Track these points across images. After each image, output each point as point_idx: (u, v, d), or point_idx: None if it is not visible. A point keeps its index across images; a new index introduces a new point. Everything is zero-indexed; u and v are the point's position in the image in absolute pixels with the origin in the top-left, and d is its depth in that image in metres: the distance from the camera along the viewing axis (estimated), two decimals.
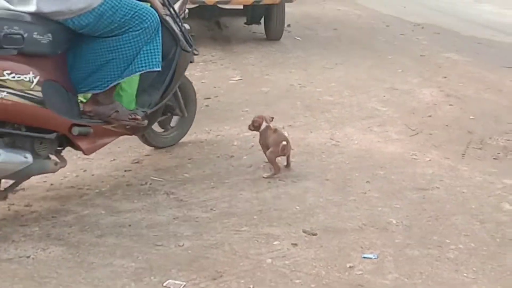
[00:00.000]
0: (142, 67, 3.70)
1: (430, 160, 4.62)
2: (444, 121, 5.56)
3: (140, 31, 3.67)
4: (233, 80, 7.03)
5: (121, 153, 4.73)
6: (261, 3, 8.56)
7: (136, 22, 3.64)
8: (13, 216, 3.68)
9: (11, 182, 3.62)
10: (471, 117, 5.68)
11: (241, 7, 9.52)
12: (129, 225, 3.57)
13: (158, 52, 3.78)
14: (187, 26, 5.76)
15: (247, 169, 4.43)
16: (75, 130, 3.60)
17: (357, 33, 10.19)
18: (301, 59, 8.17)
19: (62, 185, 4.14)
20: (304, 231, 3.52)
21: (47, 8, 3.37)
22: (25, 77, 3.26)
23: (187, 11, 5.81)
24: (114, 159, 4.60)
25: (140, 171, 4.40)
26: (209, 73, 7.37)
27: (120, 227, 3.55)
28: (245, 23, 9.93)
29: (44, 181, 4.17)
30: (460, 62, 8.03)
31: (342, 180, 4.24)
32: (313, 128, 5.33)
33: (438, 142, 5.01)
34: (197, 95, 5.67)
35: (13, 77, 3.20)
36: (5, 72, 3.16)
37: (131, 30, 3.64)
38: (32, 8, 3.36)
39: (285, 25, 9.51)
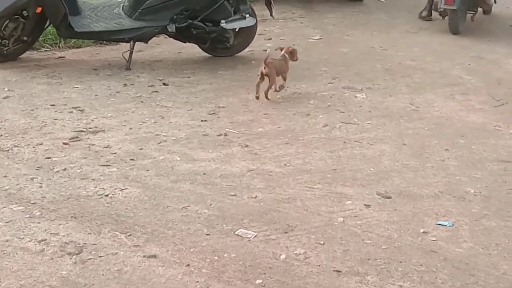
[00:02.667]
0: None
1: None
2: None
3: None
4: (313, 39, 6.94)
5: (198, 103, 4.77)
6: None
7: None
8: (93, 156, 3.79)
9: None
10: None
11: None
12: (204, 174, 3.62)
13: None
14: None
15: (322, 128, 4.39)
16: None
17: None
18: (384, 21, 7.95)
19: (141, 130, 4.23)
20: (378, 193, 3.46)
21: None
22: None
23: None
24: (191, 109, 4.65)
25: (216, 122, 4.43)
26: (288, 30, 7.30)
27: (195, 174, 3.60)
28: None
29: (124, 125, 4.27)
30: None
31: (420, 146, 4.14)
32: (393, 92, 5.21)
33: None
34: (276, 51, 5.64)
35: None
36: None
37: None
38: None
39: None
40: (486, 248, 2.97)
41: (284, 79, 5.02)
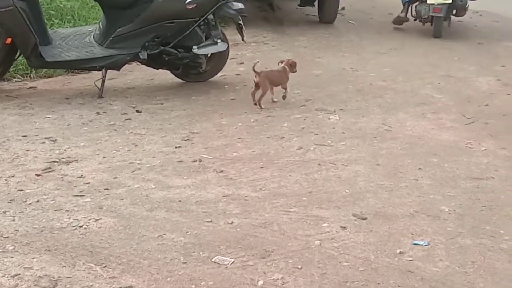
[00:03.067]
0: None
1: (485, 149, 4.50)
2: (501, 110, 5.41)
3: None
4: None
5: (172, 129, 4.76)
6: None
7: None
8: (67, 187, 3.74)
9: None
10: None
11: None
12: (179, 201, 3.60)
13: None
14: (240, 5, 5.78)
15: (297, 151, 4.41)
16: None
17: (413, 19, 9.95)
18: (355, 43, 8.06)
19: (115, 158, 4.20)
20: (354, 215, 3.48)
21: None
22: None
23: None
24: (165, 136, 4.64)
25: (191, 148, 4.42)
26: (260, 54, 7.34)
27: (171, 202, 3.58)
28: (298, 5, 9.82)
29: (97, 154, 4.24)
30: None
31: (394, 166, 4.17)
32: (365, 113, 5.26)
33: (494, 131, 4.88)
34: (248, 75, 5.68)
35: None
36: None
37: None
38: None
39: (339, 8, 9.39)
40: (462, 267, 2.99)
41: (284, 88, 5.42)
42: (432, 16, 8.21)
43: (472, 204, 3.65)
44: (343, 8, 10.03)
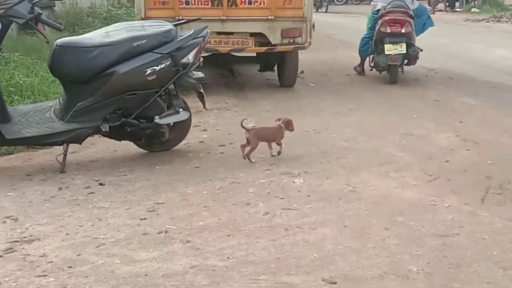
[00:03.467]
0: None
1: (449, 206, 4.55)
2: (462, 166, 5.50)
3: None
4: (248, 127, 7.02)
5: (137, 201, 4.71)
6: (274, 50, 8.65)
7: None
8: (29, 267, 3.64)
9: None
10: (489, 162, 5.61)
11: (255, 54, 9.63)
12: (145, 275, 3.52)
13: None
14: (201, 74, 5.86)
15: (263, 217, 4.39)
16: None
17: (370, 79, 10.22)
18: (315, 105, 8.19)
19: (78, 234, 4.11)
20: (323, 280, 3.45)
21: None
22: None
23: (201, 59, 5.91)
24: (129, 208, 4.58)
25: (156, 219, 4.36)
26: (223, 120, 7.40)
27: (136, 277, 3.50)
28: (259, 70, 10.03)
29: (60, 231, 4.15)
30: (476, 107, 8.01)
31: (361, 227, 4.18)
32: (329, 174, 5.30)
33: (456, 187, 4.95)
34: (212, 142, 5.71)
35: None
36: None
37: None
38: None
39: (298, 72, 9.59)
40: None
41: (279, 145, 5.73)
42: (389, 65, 9.50)
43: (440, 262, 3.65)
44: (302, 72, 10.25)
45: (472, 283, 3.40)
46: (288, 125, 5.78)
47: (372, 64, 10.01)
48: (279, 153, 5.73)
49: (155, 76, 5.43)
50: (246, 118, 5.83)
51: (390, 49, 9.35)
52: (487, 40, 15.96)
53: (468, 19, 23.45)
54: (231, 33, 8.54)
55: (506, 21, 22.53)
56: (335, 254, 3.78)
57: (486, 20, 23.05)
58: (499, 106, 7.99)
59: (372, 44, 9.87)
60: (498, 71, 10.96)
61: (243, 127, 5.67)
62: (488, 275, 3.50)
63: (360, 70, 10.50)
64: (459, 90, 9.16)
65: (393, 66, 9.50)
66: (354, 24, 22.45)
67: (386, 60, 9.47)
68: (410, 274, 3.51)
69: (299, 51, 9.06)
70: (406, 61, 9.68)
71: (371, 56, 10.01)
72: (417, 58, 9.72)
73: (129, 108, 5.54)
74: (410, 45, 9.47)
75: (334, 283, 3.41)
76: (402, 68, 9.75)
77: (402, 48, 9.36)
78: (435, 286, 3.37)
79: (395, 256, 3.73)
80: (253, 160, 5.63)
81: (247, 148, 5.68)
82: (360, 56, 10.42)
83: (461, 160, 5.68)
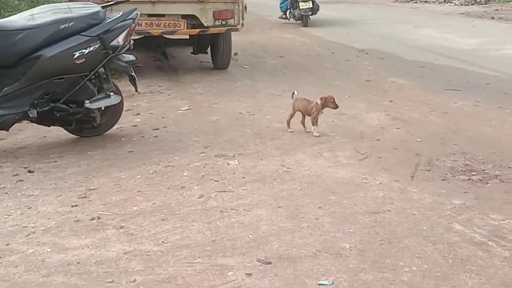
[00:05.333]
0: None
1: (380, 183, 4.65)
2: (392, 144, 5.63)
3: None
4: (182, 110, 6.99)
5: (68, 188, 4.60)
6: (207, 32, 8.59)
7: None
8: None
9: None
10: (418, 139, 5.77)
11: (187, 37, 9.53)
12: (78, 263, 3.45)
13: None
14: (131, 57, 5.75)
15: (198, 200, 4.37)
16: None
17: (303, 60, 10.32)
18: (249, 87, 8.20)
19: (6, 223, 3.98)
20: (259, 260, 3.46)
21: None
22: None
23: (132, 42, 5.80)
24: (60, 195, 4.46)
25: (88, 205, 4.27)
26: (156, 103, 7.31)
27: (68, 265, 3.43)
28: (192, 53, 9.94)
29: None
30: (405, 86, 8.20)
31: (295, 207, 4.22)
32: (264, 156, 5.32)
33: (387, 165, 5.06)
34: (145, 126, 5.64)
35: None
36: None
37: None
38: None
39: (232, 54, 9.57)
40: None
41: (312, 123, 5.94)
42: (302, 15, 15.46)
43: (372, 239, 3.73)
44: (236, 54, 10.24)
45: (403, 258, 3.49)
46: (327, 102, 5.87)
47: (289, 16, 16.20)
48: (313, 133, 5.88)
49: (83, 59, 5.29)
50: (295, 92, 6.12)
51: (303, 5, 15.17)
52: (415, 21, 16.33)
53: (396, 0, 23.91)
54: (163, 15, 8.41)
55: (433, 2, 23.10)
56: (270, 234, 3.80)
57: (414, 1, 23.56)
58: (427, 85, 8.21)
59: (289, 2, 15.87)
60: (426, 50, 11.25)
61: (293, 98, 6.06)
62: (418, 250, 3.59)
63: (284, 17, 16.36)
64: (389, 70, 9.36)
65: (305, 16, 15.43)
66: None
67: (300, 12, 15.41)
68: (343, 251, 3.57)
69: (232, 33, 9.03)
70: (311, 12, 15.43)
71: (289, 9, 16.07)
72: (318, 10, 15.66)
73: (57, 92, 5.39)
74: (313, 2, 15.26)
75: (269, 263, 3.43)
76: (309, 18, 15.52)
77: (309, 4, 15.19)
78: (367, 262, 3.44)
79: (328, 234, 3.79)
80: (290, 130, 6.00)
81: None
82: (280, 10, 16.45)
83: (391, 139, 5.81)
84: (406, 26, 15.15)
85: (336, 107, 5.93)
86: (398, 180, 4.72)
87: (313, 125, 5.90)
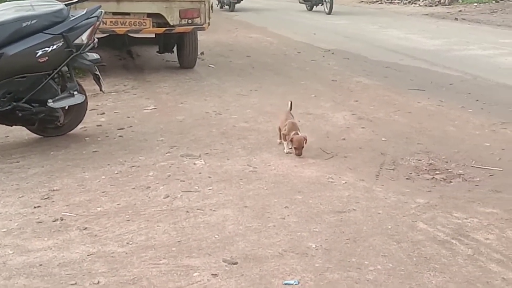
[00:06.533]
0: None
1: (345, 182, 4.68)
2: (357, 143, 5.67)
3: None
4: (147, 110, 6.93)
5: (30, 188, 4.51)
6: (173, 31, 8.53)
7: None
8: None
9: None
10: (383, 139, 5.82)
11: (153, 35, 9.45)
12: (40, 265, 3.39)
13: None
14: (96, 55, 5.67)
15: (163, 200, 4.33)
16: None
17: (270, 60, 10.33)
18: (216, 86, 8.17)
19: None
20: (224, 261, 3.45)
21: None
22: None
23: (96, 40, 5.72)
24: (22, 196, 4.38)
25: (51, 206, 4.20)
26: (121, 103, 7.23)
27: (30, 267, 3.36)
28: (158, 52, 9.87)
29: None
30: (370, 86, 8.28)
31: (261, 207, 4.21)
32: (230, 155, 5.30)
33: (352, 164, 5.09)
34: (110, 125, 5.58)
35: None
36: None
37: None
38: None
39: (198, 53, 9.53)
40: None
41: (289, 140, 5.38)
42: (230, 2, 21.13)
43: (337, 238, 3.75)
44: (202, 53, 10.21)
45: (368, 257, 3.51)
46: (293, 141, 5.24)
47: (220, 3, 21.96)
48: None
49: (46, 57, 5.19)
50: (289, 103, 5.79)
51: None
52: (380, 21, 16.52)
53: (362, 1, 24.14)
54: (128, 14, 8.31)
55: (398, 2, 23.39)
56: (236, 234, 3.79)
57: (379, 2, 23.82)
58: (392, 85, 8.30)
59: None
60: (391, 51, 11.37)
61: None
62: (383, 248, 3.62)
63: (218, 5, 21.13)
64: (354, 70, 9.44)
65: (232, 3, 21.04)
66: (254, 5, 22.62)
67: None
68: (309, 250, 3.58)
69: (199, 32, 8.99)
70: (236, 0, 20.83)
71: None
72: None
73: (19, 91, 5.28)
74: None
75: (235, 263, 3.42)
76: (235, 5, 20.92)
77: None
78: (333, 261, 3.45)
79: (294, 234, 3.79)
80: (286, 150, 5.39)
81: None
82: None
83: (357, 138, 5.85)
84: (371, 26, 15.31)
85: (298, 154, 5.24)
86: (363, 179, 4.75)
87: (284, 140, 5.44)
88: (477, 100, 7.42)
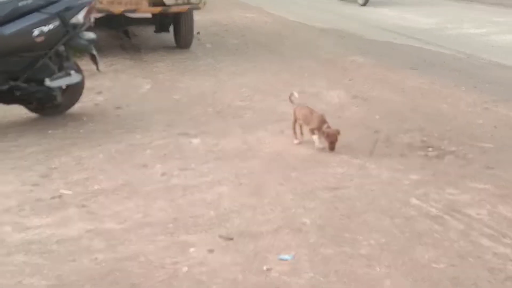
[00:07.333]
0: None
1: (340, 160, 4.73)
2: (352, 121, 5.72)
3: None
4: (144, 89, 6.95)
5: (28, 167, 4.56)
6: (169, 11, 8.52)
7: None
8: None
9: None
10: (377, 116, 5.87)
11: (149, 15, 9.43)
12: (39, 242, 3.45)
13: None
14: (92, 34, 5.68)
15: (160, 178, 4.38)
16: None
17: (265, 39, 10.32)
18: (212, 66, 8.18)
19: None
20: (220, 237, 3.51)
21: None
22: None
23: (93, 20, 5.72)
24: (20, 174, 4.43)
25: (49, 184, 4.25)
26: (119, 82, 7.25)
27: (29, 244, 3.42)
28: (154, 32, 9.85)
29: None
30: (364, 65, 8.29)
31: (256, 184, 4.27)
32: (226, 134, 5.34)
33: (347, 142, 5.13)
34: (107, 104, 5.60)
35: None
36: None
37: None
38: None
39: (195, 33, 9.51)
40: (326, 276, 3.11)
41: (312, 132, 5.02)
42: None
43: (331, 214, 3.81)
44: (198, 33, 10.19)
45: (361, 233, 3.57)
46: (329, 136, 4.87)
47: None
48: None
49: (43, 37, 5.21)
50: (293, 93, 5.32)
51: None
52: (374, 1, 16.43)
53: None
54: None
55: None
56: (231, 211, 3.85)
57: None
58: (386, 64, 8.32)
59: None
60: (385, 30, 11.36)
61: (291, 101, 5.25)
62: (376, 224, 3.69)
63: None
64: (349, 48, 9.44)
65: None
66: None
67: None
68: (304, 227, 3.64)
69: (195, 12, 8.97)
70: None
71: None
72: None
73: (16, 71, 5.30)
74: None
75: (231, 239, 3.48)
76: None
77: None
78: (327, 237, 3.52)
79: (289, 211, 3.85)
80: (296, 142, 5.11)
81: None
82: None
83: (351, 116, 5.90)
84: (366, 6, 15.24)
85: (331, 148, 4.88)
86: (357, 156, 4.80)
87: (312, 134, 5.02)
88: (470, 78, 7.46)
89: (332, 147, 4.89)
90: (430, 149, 5.00)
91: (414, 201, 4.00)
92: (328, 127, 4.92)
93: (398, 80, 7.37)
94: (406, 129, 5.47)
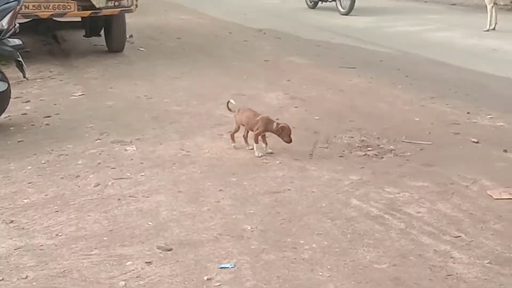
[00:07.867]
0: None
1: (280, 162, 4.66)
2: (291, 123, 5.58)
3: None
4: (75, 96, 6.71)
5: None
6: (99, 14, 8.28)
7: None
8: None
9: None
10: (316, 117, 5.84)
11: (79, 19, 9.16)
12: None
13: None
14: (18, 41, 5.44)
15: (94, 188, 4.20)
16: None
17: (201, 42, 10.21)
18: (146, 70, 8.01)
19: None
20: (159, 247, 3.37)
21: None
22: None
23: (18, 25, 5.48)
24: None
25: None
26: (48, 89, 6.98)
27: None
28: (84, 36, 9.58)
29: None
30: (302, 65, 8.29)
31: (195, 191, 4.15)
32: (163, 140, 5.20)
33: (286, 144, 5.06)
34: (36, 113, 5.37)
35: None
36: None
37: None
38: None
39: (127, 36, 9.30)
40: (268, 283, 3.02)
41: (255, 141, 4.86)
42: None
43: (273, 219, 3.73)
44: (131, 36, 9.98)
45: (303, 236, 3.50)
46: (284, 132, 4.77)
47: None
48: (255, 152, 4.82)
49: None
50: (230, 100, 5.13)
51: None
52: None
53: None
54: None
55: None
56: (170, 220, 3.72)
57: None
58: (323, 64, 8.34)
59: None
60: (322, 29, 11.44)
61: (229, 109, 5.05)
62: (318, 226, 3.63)
63: None
64: (286, 49, 9.44)
65: None
66: None
67: None
68: (245, 233, 3.54)
69: (127, 15, 8.77)
70: None
71: None
72: None
73: None
74: None
75: (170, 249, 3.35)
76: None
77: None
78: (269, 242, 3.43)
79: (229, 217, 3.75)
80: (233, 144, 4.98)
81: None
82: None
83: (290, 117, 5.83)
84: (303, 5, 15.33)
85: (289, 141, 4.79)
86: (297, 158, 4.75)
87: (255, 142, 4.86)
88: (407, 76, 7.56)
89: (289, 139, 4.78)
90: (369, 148, 5.00)
91: (354, 201, 3.97)
92: (278, 124, 4.82)
93: (336, 80, 7.38)
94: (345, 129, 5.46)
